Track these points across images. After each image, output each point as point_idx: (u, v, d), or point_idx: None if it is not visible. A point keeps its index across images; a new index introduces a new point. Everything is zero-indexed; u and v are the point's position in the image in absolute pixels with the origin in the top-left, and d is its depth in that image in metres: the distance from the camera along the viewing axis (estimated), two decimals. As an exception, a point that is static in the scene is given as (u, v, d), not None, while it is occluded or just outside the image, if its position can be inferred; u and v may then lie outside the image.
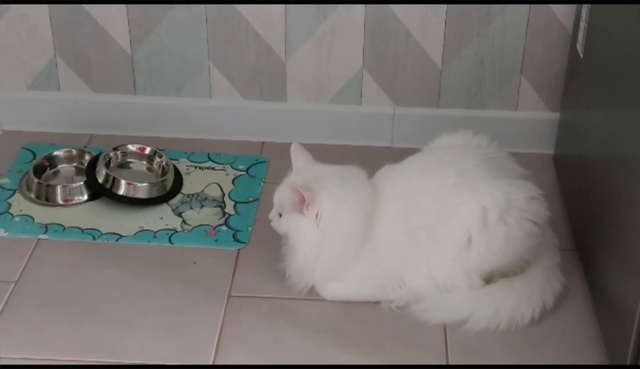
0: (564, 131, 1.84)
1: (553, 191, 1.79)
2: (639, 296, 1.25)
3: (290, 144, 1.55)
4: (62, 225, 1.71)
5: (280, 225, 1.52)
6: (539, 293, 1.50)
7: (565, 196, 1.77)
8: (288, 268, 1.54)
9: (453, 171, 1.50)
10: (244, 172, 1.88)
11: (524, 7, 1.83)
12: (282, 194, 1.51)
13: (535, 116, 1.94)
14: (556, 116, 1.90)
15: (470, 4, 1.83)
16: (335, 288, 1.54)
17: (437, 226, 1.49)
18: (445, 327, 1.48)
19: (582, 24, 1.67)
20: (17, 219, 1.72)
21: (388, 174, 1.56)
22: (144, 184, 1.77)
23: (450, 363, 1.42)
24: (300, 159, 1.54)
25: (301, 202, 1.47)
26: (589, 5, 1.63)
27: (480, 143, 1.59)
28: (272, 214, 1.54)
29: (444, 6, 1.83)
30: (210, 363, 1.42)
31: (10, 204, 1.76)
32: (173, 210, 1.76)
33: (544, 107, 1.93)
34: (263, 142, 1.97)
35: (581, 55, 1.68)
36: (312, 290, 1.54)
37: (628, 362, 1.29)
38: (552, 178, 1.85)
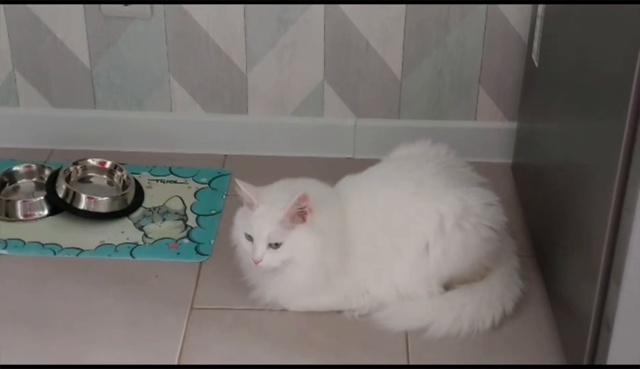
0: (522, 140, 1.87)
1: (511, 199, 1.81)
2: (594, 300, 1.27)
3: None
4: (22, 240, 1.69)
5: (280, 254, 1.44)
6: (499, 299, 1.52)
7: (523, 204, 1.80)
8: (290, 291, 1.50)
9: (411, 181, 1.52)
10: (206, 185, 1.88)
11: (481, 19, 1.86)
12: (269, 223, 1.42)
13: (493, 126, 1.96)
14: (514, 125, 1.93)
15: (428, 16, 1.85)
16: (300, 299, 1.53)
17: (397, 234, 1.50)
18: (407, 334, 1.49)
19: (537, 34, 1.70)
20: (-24, 235, 1.71)
21: (349, 185, 1.57)
22: (105, 198, 1.76)
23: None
24: (252, 190, 1.46)
25: (302, 212, 1.42)
26: (542, 16, 1.67)
27: (439, 152, 1.61)
28: (260, 253, 1.43)
29: (403, 18, 1.85)
30: (173, 376, 1.41)
31: (-31, 221, 1.75)
32: (134, 224, 1.76)
33: (502, 117, 1.96)
34: (225, 155, 1.98)
35: (536, 65, 1.71)
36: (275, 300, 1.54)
37: (585, 363, 1.31)
38: (511, 186, 1.88)
